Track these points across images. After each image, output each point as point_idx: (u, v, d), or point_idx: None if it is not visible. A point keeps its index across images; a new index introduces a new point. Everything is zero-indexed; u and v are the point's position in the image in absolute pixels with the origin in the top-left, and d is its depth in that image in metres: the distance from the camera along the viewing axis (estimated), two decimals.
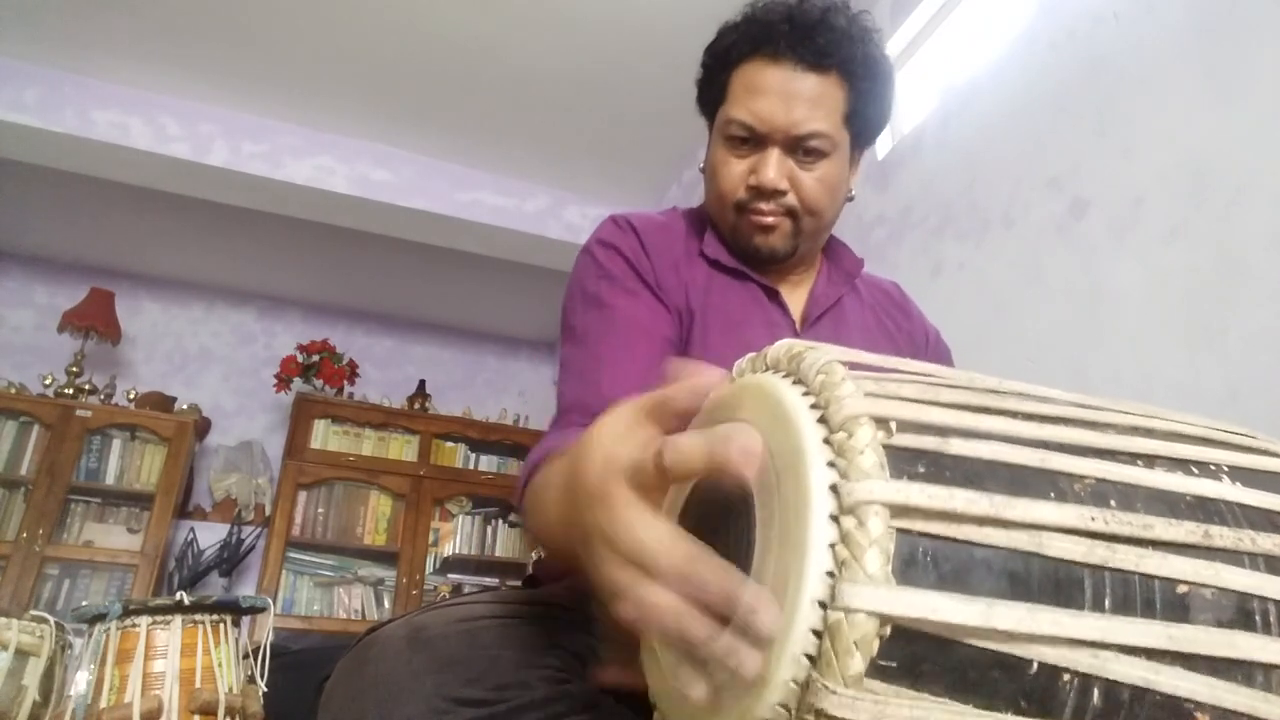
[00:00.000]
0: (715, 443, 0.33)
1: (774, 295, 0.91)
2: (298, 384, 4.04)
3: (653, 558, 0.34)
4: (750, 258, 0.90)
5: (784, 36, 0.83)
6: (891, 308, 1.00)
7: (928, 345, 0.99)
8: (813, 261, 0.97)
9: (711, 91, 0.91)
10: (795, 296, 0.93)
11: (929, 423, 0.34)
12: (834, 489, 0.31)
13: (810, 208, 0.86)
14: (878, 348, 0.90)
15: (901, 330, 0.98)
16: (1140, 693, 0.32)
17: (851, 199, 0.93)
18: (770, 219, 0.86)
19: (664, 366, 0.80)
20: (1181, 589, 0.33)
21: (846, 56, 0.84)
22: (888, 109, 0.91)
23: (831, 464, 0.32)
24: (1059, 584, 0.32)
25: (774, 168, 0.84)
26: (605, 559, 0.36)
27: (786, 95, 0.83)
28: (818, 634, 0.30)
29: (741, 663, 0.31)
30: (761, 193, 0.85)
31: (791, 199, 0.86)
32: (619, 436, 0.39)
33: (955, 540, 0.31)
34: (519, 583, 0.85)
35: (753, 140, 0.85)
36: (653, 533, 0.34)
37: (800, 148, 0.84)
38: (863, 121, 0.88)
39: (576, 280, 0.88)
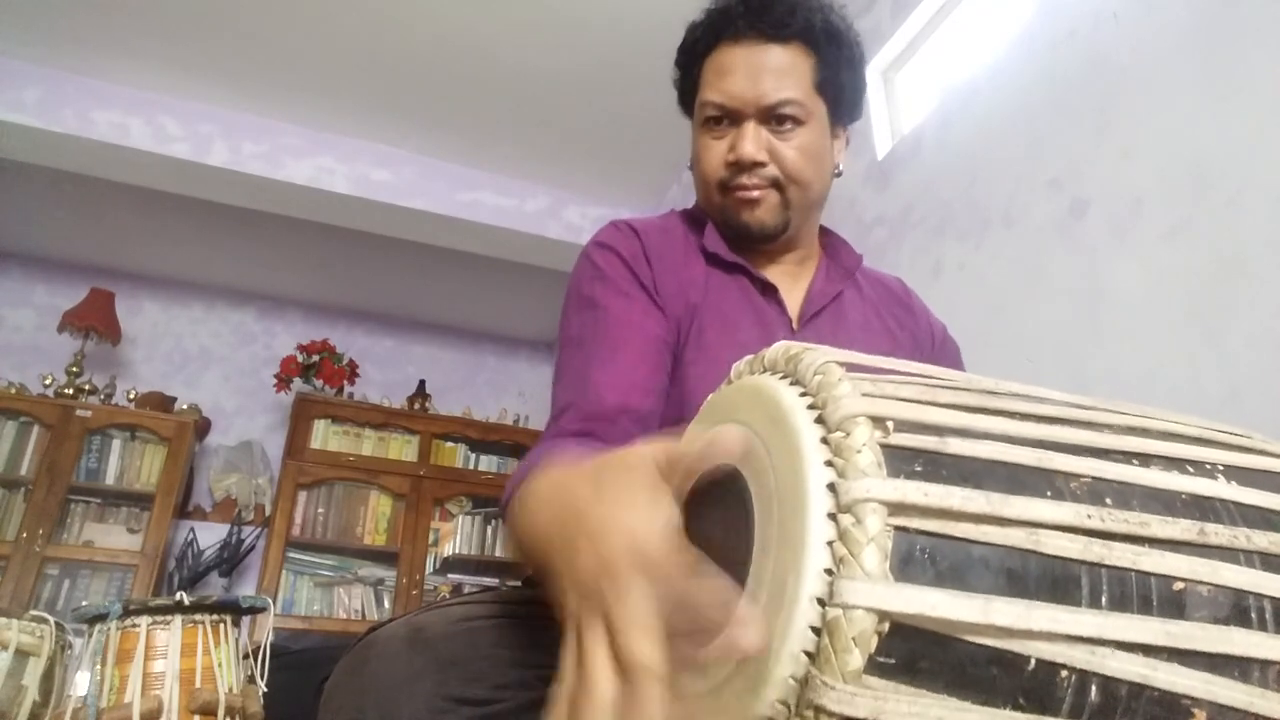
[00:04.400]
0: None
1: (770, 292, 0.91)
2: (298, 384, 4.04)
3: (654, 551, 0.33)
4: (744, 237, 0.90)
5: (741, 16, 0.87)
6: (894, 304, 0.99)
7: (934, 342, 0.98)
8: (810, 252, 0.97)
9: (687, 87, 0.94)
10: (793, 292, 0.93)
11: (926, 422, 0.34)
12: (831, 487, 0.31)
13: (793, 177, 0.87)
14: (878, 345, 0.90)
15: (904, 328, 0.97)
16: (1137, 689, 0.32)
17: (839, 174, 0.94)
18: (755, 193, 0.88)
19: (658, 369, 0.80)
20: (1178, 586, 0.33)
21: (805, 24, 0.86)
22: (860, 78, 0.93)
23: (829, 463, 0.32)
24: (1056, 581, 0.32)
25: (750, 140, 0.86)
26: (593, 558, 0.35)
27: (751, 69, 0.86)
28: (816, 631, 0.30)
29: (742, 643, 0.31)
30: (741, 166, 0.87)
31: (773, 170, 0.87)
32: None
33: (953, 538, 0.31)
34: (519, 583, 0.85)
35: (727, 119, 0.88)
36: (660, 532, 0.34)
37: (773, 117, 0.86)
38: (836, 90, 0.90)
39: (573, 285, 0.89)
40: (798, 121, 0.86)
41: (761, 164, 0.87)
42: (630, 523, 0.35)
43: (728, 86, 0.86)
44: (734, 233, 0.91)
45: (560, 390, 0.80)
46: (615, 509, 0.36)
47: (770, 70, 0.86)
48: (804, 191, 0.89)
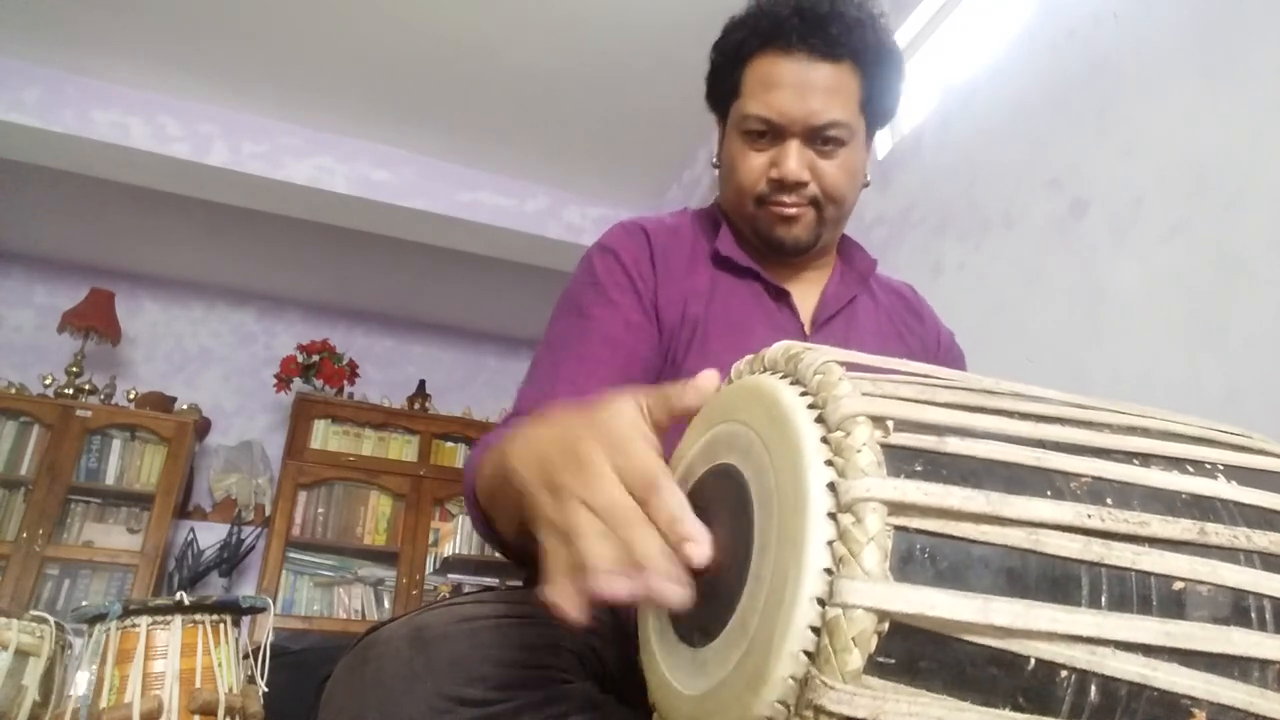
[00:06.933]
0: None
1: (783, 296, 0.91)
2: (298, 384, 4.04)
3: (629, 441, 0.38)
4: (773, 249, 0.90)
5: (795, 29, 0.83)
6: (905, 310, 0.99)
7: (939, 349, 0.98)
8: (827, 259, 0.97)
9: (723, 87, 0.91)
10: (806, 297, 0.93)
11: (926, 421, 0.34)
12: (831, 487, 0.31)
13: (832, 196, 0.87)
14: (890, 351, 0.90)
15: (914, 334, 0.97)
16: (1137, 689, 0.32)
17: (867, 184, 0.93)
18: (793, 210, 0.87)
19: (628, 381, 0.81)
20: (1178, 585, 0.33)
21: (858, 45, 0.84)
22: (899, 93, 0.91)
23: (829, 462, 0.32)
24: (1056, 581, 0.32)
25: (795, 160, 0.84)
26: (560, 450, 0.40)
27: (802, 86, 0.83)
28: (816, 631, 0.30)
29: (664, 589, 0.34)
30: (783, 185, 0.86)
31: (814, 189, 0.86)
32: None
33: (952, 537, 0.31)
34: (519, 583, 0.85)
35: (771, 133, 0.85)
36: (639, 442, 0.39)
37: (819, 137, 0.85)
38: (877, 108, 0.89)
39: (569, 285, 0.89)
40: (841, 142, 0.85)
41: (803, 184, 0.86)
42: (599, 421, 0.40)
43: (775, 102, 0.84)
44: (764, 244, 0.90)
45: (525, 388, 0.81)
46: (590, 421, 0.41)
47: (820, 90, 0.83)
48: (839, 209, 0.89)
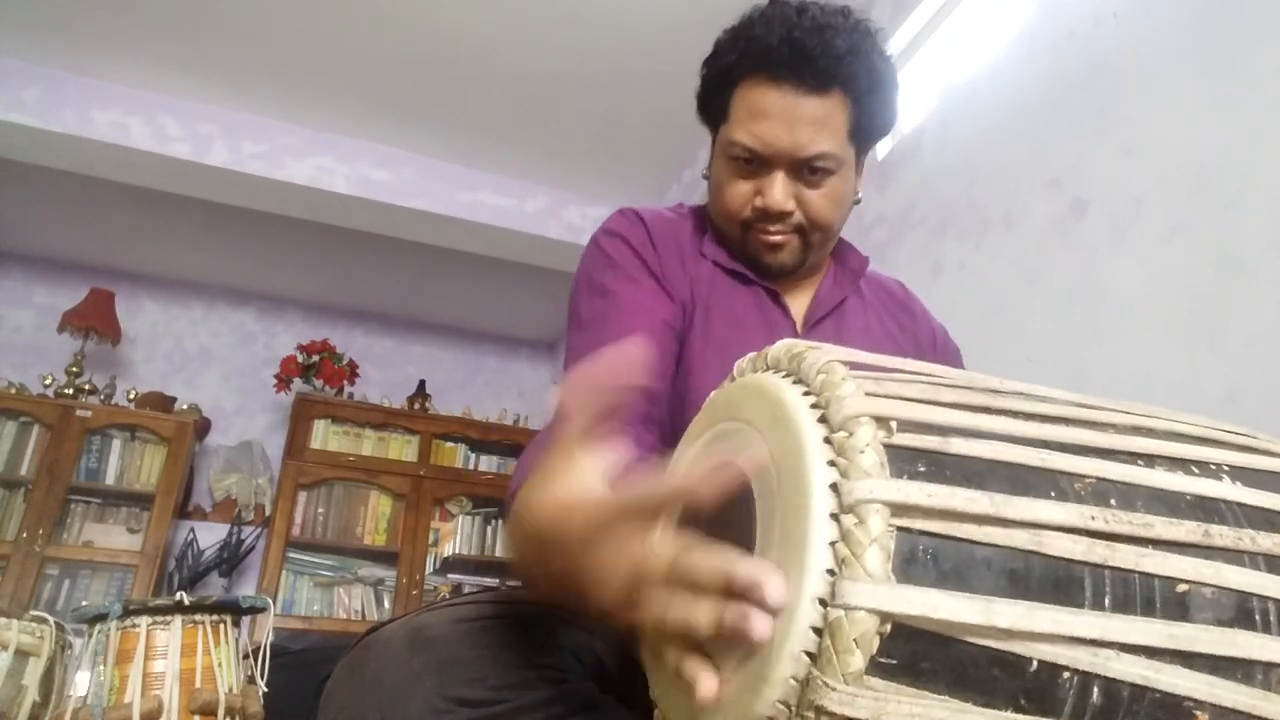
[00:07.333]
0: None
1: (776, 297, 0.91)
2: (298, 384, 4.03)
3: (649, 567, 0.35)
4: (759, 271, 0.90)
5: (784, 60, 0.81)
6: (895, 307, 1.00)
7: (935, 345, 0.99)
8: (820, 264, 0.97)
9: (712, 107, 0.90)
10: (799, 298, 0.94)
11: (929, 422, 0.34)
12: (834, 488, 0.31)
13: (818, 224, 0.86)
14: (880, 349, 0.90)
15: (905, 331, 0.98)
16: (1140, 691, 0.32)
17: (858, 202, 0.93)
18: (778, 238, 0.87)
19: (667, 352, 0.81)
20: (1181, 588, 0.33)
21: (849, 75, 0.82)
22: (893, 113, 0.90)
23: (832, 463, 0.32)
24: (1059, 582, 0.32)
25: (780, 191, 0.84)
26: (602, 583, 0.38)
27: (789, 119, 0.82)
28: (818, 631, 0.30)
29: (751, 628, 0.31)
30: (768, 215, 0.85)
31: (799, 218, 0.86)
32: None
33: (955, 539, 0.31)
34: (519, 583, 0.85)
35: (757, 162, 0.85)
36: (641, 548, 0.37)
37: (806, 168, 0.84)
38: (867, 132, 0.88)
39: (582, 271, 0.89)
40: (828, 172, 0.84)
41: (788, 213, 0.85)
42: (623, 568, 0.37)
43: (761, 132, 0.82)
44: (750, 265, 0.90)
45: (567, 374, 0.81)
46: (604, 569, 0.39)
47: (807, 122, 0.82)
48: (825, 234, 0.89)
